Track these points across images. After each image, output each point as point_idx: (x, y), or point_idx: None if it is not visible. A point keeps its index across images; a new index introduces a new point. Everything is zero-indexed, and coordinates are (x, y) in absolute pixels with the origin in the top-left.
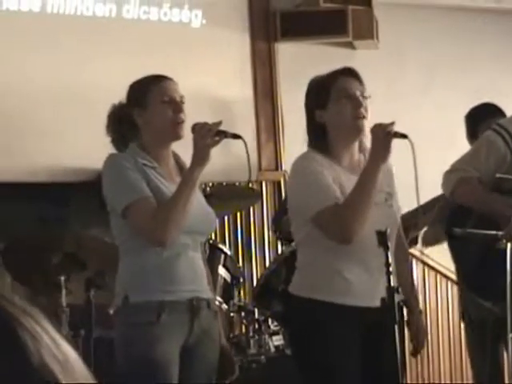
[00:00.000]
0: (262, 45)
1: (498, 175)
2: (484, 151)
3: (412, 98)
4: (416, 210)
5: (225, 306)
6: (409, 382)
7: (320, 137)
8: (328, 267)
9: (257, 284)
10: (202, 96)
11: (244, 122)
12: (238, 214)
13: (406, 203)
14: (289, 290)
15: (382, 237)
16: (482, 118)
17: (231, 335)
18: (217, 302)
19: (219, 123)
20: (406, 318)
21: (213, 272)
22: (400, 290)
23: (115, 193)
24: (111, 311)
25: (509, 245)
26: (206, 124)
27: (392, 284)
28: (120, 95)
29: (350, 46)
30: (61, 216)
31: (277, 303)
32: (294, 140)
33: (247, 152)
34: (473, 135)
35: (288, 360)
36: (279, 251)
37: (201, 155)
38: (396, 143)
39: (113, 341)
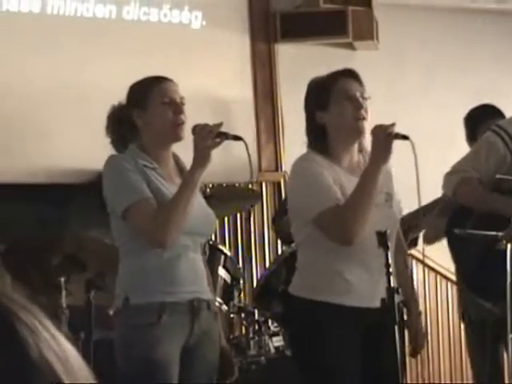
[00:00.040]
0: (262, 46)
1: (497, 176)
2: (484, 153)
3: (412, 98)
4: (417, 212)
5: (225, 307)
6: (409, 382)
7: (320, 138)
8: (329, 268)
9: (257, 285)
10: (201, 97)
11: (244, 123)
12: (238, 215)
13: (407, 204)
14: (289, 291)
15: (382, 237)
16: (481, 119)
17: (231, 336)
18: (217, 303)
19: (220, 125)
20: (405, 319)
21: (213, 273)
22: (400, 290)
23: (115, 194)
24: (111, 312)
25: (509, 245)
26: (206, 125)
27: (392, 285)
28: (120, 96)
29: (350, 46)
30: (61, 217)
31: (277, 304)
32: (294, 141)
33: (248, 153)
34: (472, 137)
35: (288, 361)
36: (279, 252)
37: (201, 157)
38: (396, 144)
39: (113, 342)
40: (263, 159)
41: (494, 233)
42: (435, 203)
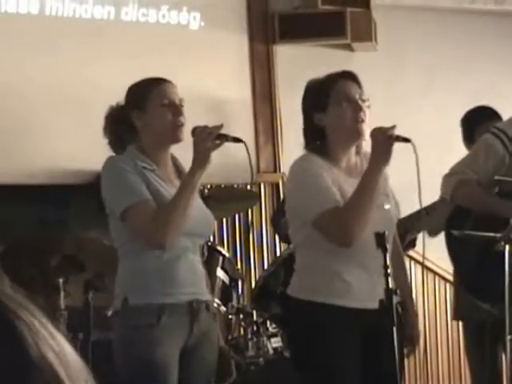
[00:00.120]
0: (261, 47)
1: (496, 177)
2: (483, 154)
3: (411, 100)
4: (419, 212)
5: (223, 309)
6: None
7: (318, 140)
8: (327, 269)
9: (255, 286)
10: (200, 98)
11: (242, 124)
12: (237, 216)
13: (406, 206)
14: (287, 293)
15: (380, 239)
16: (478, 121)
17: (229, 337)
18: (215, 305)
19: (220, 126)
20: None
21: (211, 274)
22: (398, 291)
23: (114, 195)
24: (109, 313)
25: (507, 247)
26: (206, 127)
27: (390, 286)
28: (119, 97)
29: (349, 48)
30: (60, 218)
31: (275, 305)
32: (293, 142)
33: (249, 155)
34: (469, 139)
35: (286, 362)
36: (277, 253)
37: (201, 159)
38: (396, 146)
39: (111, 343)
40: (261, 160)
41: (492, 234)
42: (436, 204)
